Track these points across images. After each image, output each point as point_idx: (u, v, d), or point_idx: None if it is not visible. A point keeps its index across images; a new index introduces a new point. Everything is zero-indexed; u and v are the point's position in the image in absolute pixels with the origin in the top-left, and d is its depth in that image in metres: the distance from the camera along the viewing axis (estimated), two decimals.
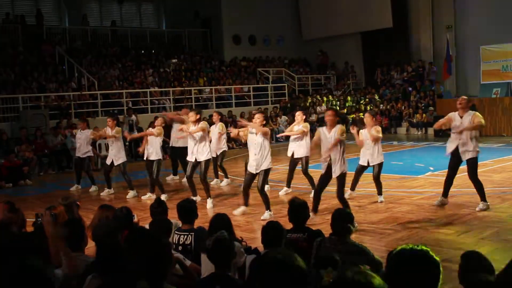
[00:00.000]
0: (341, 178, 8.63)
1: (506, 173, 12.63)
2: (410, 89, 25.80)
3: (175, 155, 14.12)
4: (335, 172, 8.59)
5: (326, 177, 8.77)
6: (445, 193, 9.72)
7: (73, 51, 24.62)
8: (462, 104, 9.34)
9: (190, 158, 10.99)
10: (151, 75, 24.87)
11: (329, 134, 8.63)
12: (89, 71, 23.00)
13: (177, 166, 14.35)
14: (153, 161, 11.84)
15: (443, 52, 24.78)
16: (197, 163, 10.94)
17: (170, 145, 14.30)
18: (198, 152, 10.87)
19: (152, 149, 11.88)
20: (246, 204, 9.91)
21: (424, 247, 2.69)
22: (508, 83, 22.12)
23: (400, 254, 2.63)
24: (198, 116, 10.89)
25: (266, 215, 9.45)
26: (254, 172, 9.54)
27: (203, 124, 10.99)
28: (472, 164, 9.28)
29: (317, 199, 9.00)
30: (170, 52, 27.89)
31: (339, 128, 8.59)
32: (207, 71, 27.04)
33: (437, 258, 2.64)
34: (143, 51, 27.51)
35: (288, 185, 11.69)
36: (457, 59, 25.40)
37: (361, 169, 10.38)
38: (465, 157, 9.27)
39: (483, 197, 9.31)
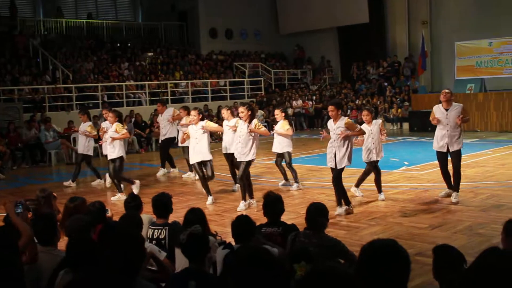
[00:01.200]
0: (341, 170, 8.90)
1: (479, 168, 12.79)
2: (385, 84, 25.97)
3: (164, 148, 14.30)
4: (340, 164, 8.80)
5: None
6: (450, 185, 9.71)
7: (48, 43, 24.31)
8: (446, 97, 9.43)
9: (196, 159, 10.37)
10: (126, 68, 24.65)
11: (334, 125, 8.85)
12: (63, 64, 22.72)
13: (169, 159, 14.36)
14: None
15: (418, 48, 24.98)
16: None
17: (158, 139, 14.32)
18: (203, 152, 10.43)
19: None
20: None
21: (393, 240, 2.71)
22: (482, 79, 22.36)
23: (370, 248, 2.65)
24: (200, 116, 10.33)
25: (242, 206, 9.51)
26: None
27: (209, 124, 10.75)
28: (459, 155, 9.46)
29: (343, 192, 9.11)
30: (146, 45, 27.68)
31: (345, 120, 8.80)
32: (184, 64, 26.90)
33: (406, 251, 2.66)
34: (118, 44, 27.25)
35: (287, 179, 11.83)
36: (432, 54, 25.62)
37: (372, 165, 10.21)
38: (453, 148, 9.38)
39: (458, 188, 9.50)
